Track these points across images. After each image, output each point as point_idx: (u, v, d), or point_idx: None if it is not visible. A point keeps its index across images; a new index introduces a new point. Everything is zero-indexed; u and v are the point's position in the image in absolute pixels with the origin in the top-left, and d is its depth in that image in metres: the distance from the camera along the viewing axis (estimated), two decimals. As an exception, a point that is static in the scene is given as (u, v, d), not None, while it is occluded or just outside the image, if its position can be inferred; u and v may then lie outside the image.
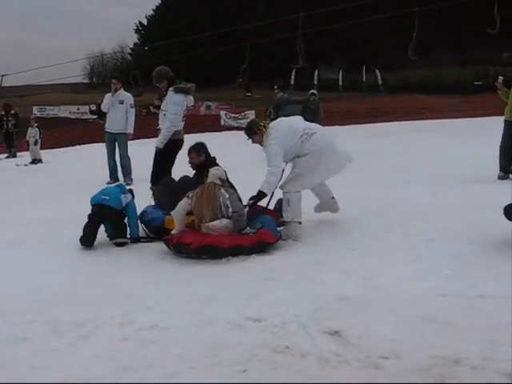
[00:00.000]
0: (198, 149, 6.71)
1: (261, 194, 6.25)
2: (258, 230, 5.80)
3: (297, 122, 6.70)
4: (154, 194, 7.07)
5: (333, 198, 6.78)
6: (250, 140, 6.58)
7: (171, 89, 7.58)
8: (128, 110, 10.73)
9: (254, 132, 6.48)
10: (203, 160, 6.65)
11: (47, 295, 4.72)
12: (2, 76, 24.62)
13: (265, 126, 6.45)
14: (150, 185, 7.53)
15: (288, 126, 6.50)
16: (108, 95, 10.80)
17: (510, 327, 3.56)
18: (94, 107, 34.92)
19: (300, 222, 6.30)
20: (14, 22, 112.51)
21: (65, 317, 4.16)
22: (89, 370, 3.40)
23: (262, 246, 5.70)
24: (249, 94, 43.47)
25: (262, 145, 6.47)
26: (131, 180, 10.52)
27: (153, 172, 7.55)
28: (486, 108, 22.30)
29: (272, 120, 7.42)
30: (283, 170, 6.42)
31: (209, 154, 6.75)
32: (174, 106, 7.61)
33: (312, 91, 14.14)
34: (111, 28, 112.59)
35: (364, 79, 38.36)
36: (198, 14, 57.25)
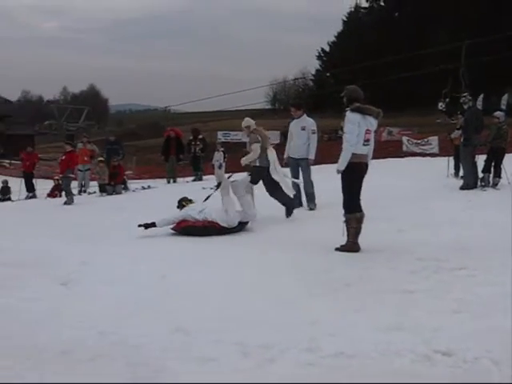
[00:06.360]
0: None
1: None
2: None
3: None
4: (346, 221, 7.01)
5: None
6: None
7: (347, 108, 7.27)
8: (310, 136, 10.82)
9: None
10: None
11: (232, 315, 4.84)
12: (166, 108, 26.73)
13: None
14: (335, 210, 7.34)
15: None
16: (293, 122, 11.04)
17: None
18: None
19: None
20: (205, 54, 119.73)
21: (252, 338, 4.24)
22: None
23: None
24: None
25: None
26: (315, 205, 10.58)
27: (344, 201, 7.20)
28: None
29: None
30: None
31: None
32: (348, 125, 7.23)
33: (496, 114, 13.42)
34: (294, 55, 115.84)
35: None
36: (380, 40, 57.11)
